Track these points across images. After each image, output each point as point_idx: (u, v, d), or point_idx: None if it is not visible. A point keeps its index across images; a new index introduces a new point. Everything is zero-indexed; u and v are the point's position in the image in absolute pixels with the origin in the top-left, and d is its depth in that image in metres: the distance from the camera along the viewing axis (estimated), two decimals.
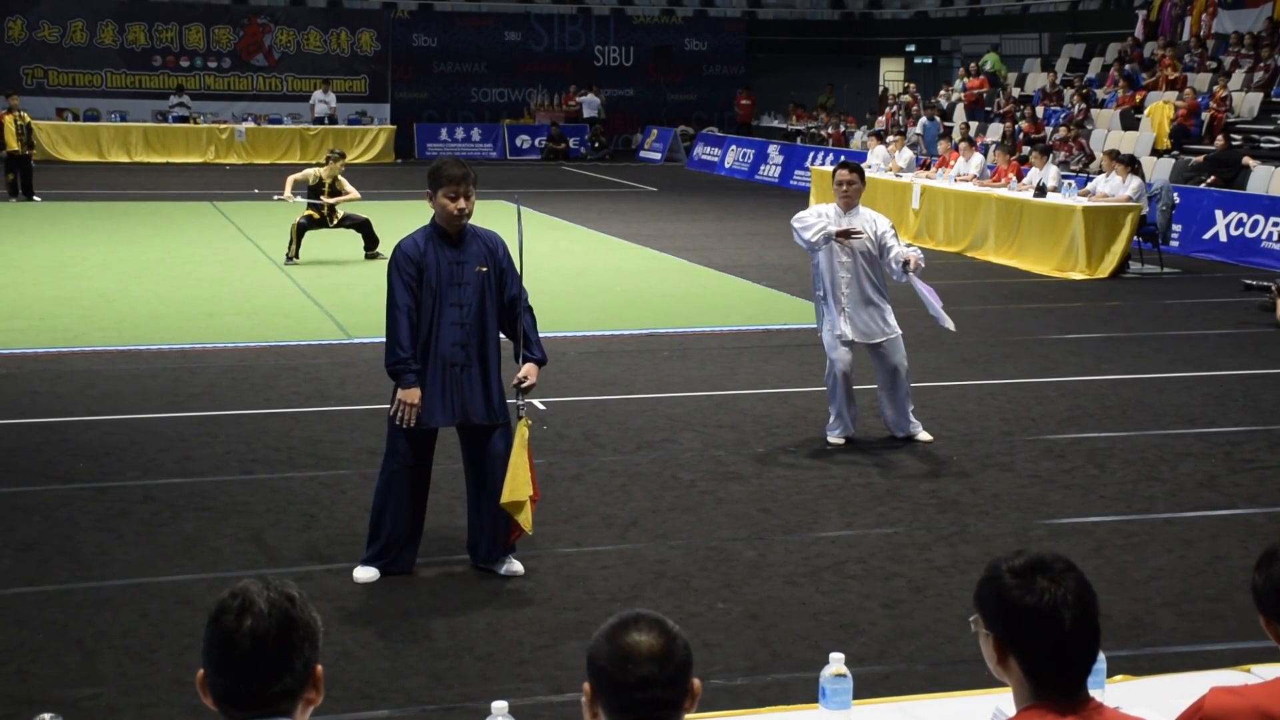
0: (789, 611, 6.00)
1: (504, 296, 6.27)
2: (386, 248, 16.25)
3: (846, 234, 8.43)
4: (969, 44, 35.13)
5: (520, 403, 6.12)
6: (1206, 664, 4.53)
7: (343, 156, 17.13)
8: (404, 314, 6.11)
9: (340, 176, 16.50)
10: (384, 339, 6.25)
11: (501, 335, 6.36)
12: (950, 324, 8.65)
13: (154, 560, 6.52)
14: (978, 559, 6.60)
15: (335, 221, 16.43)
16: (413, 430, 6.17)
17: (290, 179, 17.55)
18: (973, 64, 29.99)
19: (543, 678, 5.30)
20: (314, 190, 16.41)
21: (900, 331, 8.72)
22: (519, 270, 6.33)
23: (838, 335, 8.61)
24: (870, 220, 8.59)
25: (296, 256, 16.02)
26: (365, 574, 6.30)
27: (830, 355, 8.63)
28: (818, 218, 8.57)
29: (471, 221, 6.32)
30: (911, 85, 32.68)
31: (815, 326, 8.98)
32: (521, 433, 6.06)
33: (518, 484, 6.05)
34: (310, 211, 16.32)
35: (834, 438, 8.72)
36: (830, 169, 22.89)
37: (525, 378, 6.17)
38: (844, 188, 8.59)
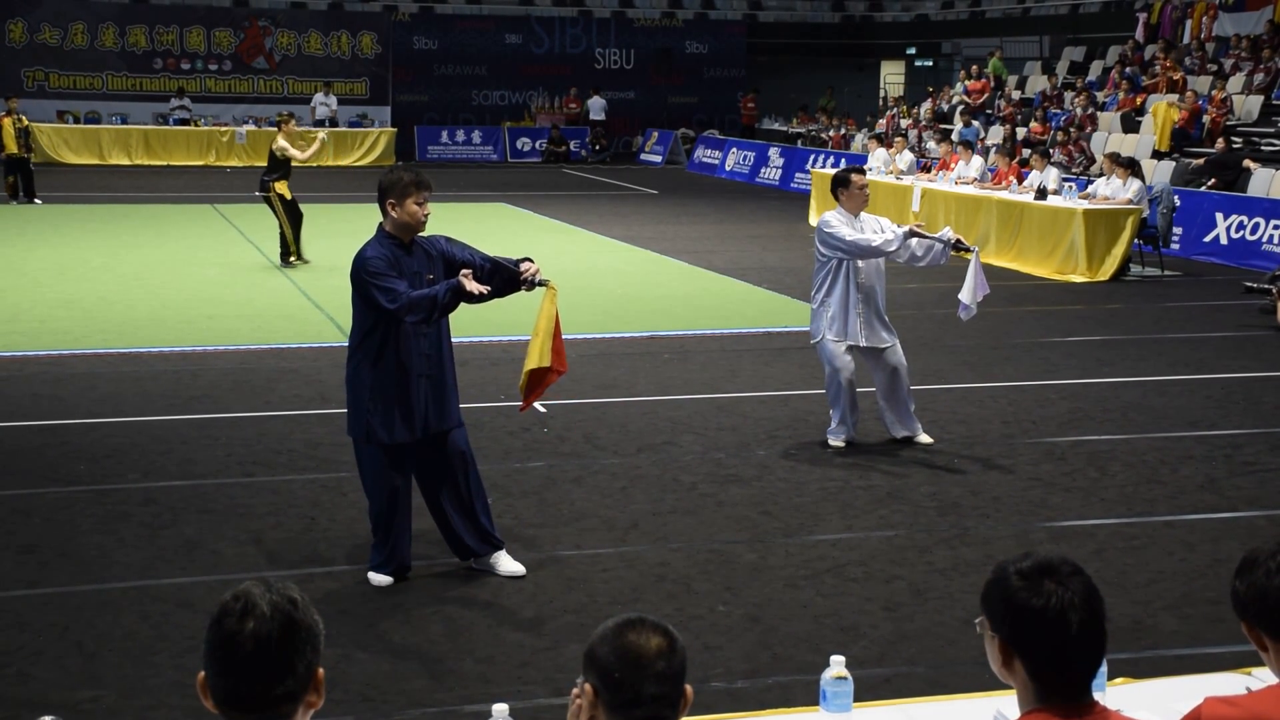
0: (790, 614, 6.00)
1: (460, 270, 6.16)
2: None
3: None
4: (969, 47, 35.13)
5: (537, 280, 6.12)
6: (1207, 667, 4.53)
7: (292, 116, 16.51)
8: (405, 293, 6.00)
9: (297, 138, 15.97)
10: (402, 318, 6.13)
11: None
12: (968, 311, 8.67)
13: (155, 563, 6.53)
14: (979, 562, 6.60)
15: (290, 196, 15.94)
16: (389, 447, 6.22)
17: (289, 152, 16.06)
18: (974, 66, 29.97)
19: (543, 680, 5.30)
20: (284, 162, 15.90)
21: (897, 339, 8.77)
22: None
23: (846, 342, 8.63)
24: (877, 223, 8.69)
25: (300, 255, 15.90)
26: (381, 579, 6.32)
27: (834, 364, 8.63)
28: (876, 229, 8.61)
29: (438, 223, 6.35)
30: (931, 89, 32.53)
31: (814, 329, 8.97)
32: (548, 304, 6.11)
33: (539, 353, 6.12)
34: (283, 189, 15.73)
35: (835, 440, 8.73)
36: (829, 171, 22.97)
37: (528, 268, 6.15)
38: (865, 190, 8.68)
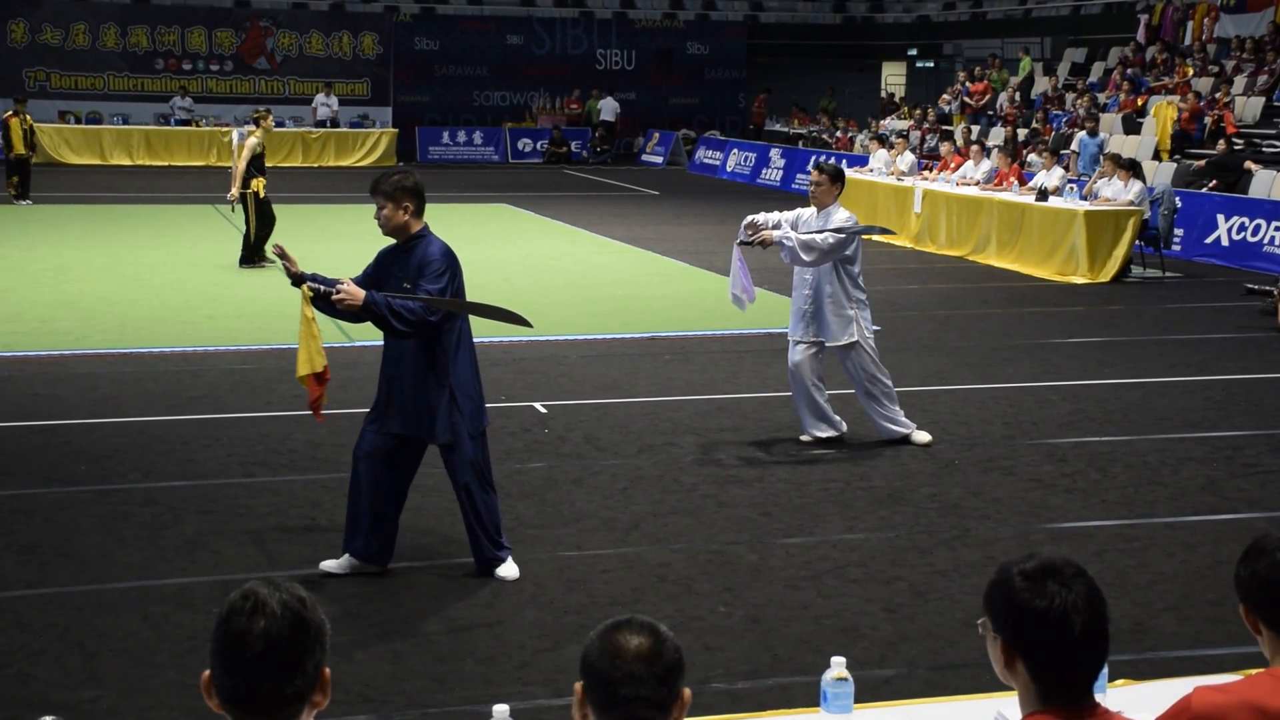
0: (790, 615, 6.00)
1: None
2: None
3: (750, 238, 8.63)
4: (971, 48, 35.13)
5: (316, 285, 6.07)
6: (1208, 669, 4.54)
7: (270, 112, 16.40)
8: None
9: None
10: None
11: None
12: (741, 305, 8.71)
13: (155, 563, 6.53)
14: (979, 563, 6.60)
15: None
16: (365, 426, 6.40)
17: (243, 162, 15.73)
18: (980, 68, 29.89)
19: (543, 681, 5.30)
20: (260, 160, 15.68)
21: (855, 339, 8.65)
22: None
23: (794, 338, 8.78)
24: (836, 221, 8.60)
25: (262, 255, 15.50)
26: (330, 564, 6.38)
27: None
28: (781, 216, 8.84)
29: (433, 230, 6.27)
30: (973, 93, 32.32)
31: None
32: (303, 306, 6.15)
33: (306, 355, 6.22)
34: (259, 185, 15.55)
35: (803, 435, 8.88)
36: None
37: (339, 288, 5.99)
38: (809, 188, 8.88)
